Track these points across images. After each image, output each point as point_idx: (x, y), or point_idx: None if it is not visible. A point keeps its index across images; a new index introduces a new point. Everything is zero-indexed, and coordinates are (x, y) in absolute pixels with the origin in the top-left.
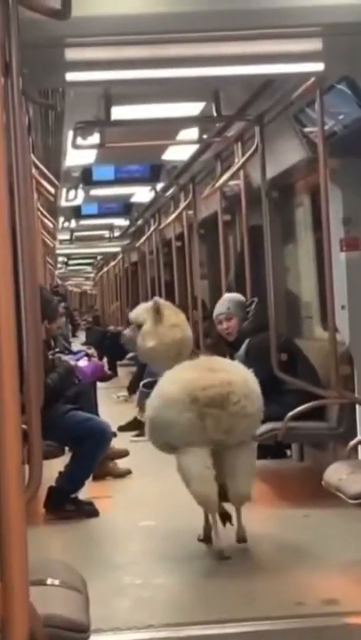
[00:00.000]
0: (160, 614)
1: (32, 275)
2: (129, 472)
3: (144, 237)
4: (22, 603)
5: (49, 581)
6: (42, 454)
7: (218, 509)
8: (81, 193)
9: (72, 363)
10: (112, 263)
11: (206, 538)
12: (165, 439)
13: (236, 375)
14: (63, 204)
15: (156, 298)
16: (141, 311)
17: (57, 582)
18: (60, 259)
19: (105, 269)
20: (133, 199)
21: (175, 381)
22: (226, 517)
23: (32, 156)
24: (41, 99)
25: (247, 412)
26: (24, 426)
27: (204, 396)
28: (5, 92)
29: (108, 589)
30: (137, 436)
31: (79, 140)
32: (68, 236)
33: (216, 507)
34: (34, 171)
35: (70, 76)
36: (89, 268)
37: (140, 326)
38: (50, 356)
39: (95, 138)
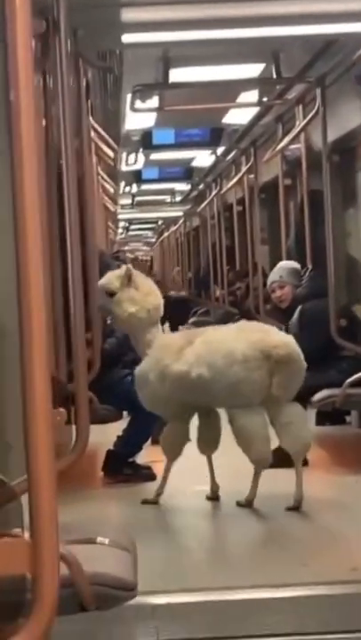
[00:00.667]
0: (214, 577)
1: (91, 239)
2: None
3: (205, 202)
4: (52, 560)
5: (98, 540)
6: (88, 416)
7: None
8: (141, 157)
9: None
10: (173, 228)
11: (214, 496)
12: (231, 400)
13: (285, 336)
14: (124, 168)
15: (129, 265)
16: (113, 278)
17: (106, 542)
18: (122, 224)
19: (166, 234)
20: (194, 163)
21: (241, 340)
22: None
23: (91, 119)
24: (99, 61)
25: (300, 368)
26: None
27: (277, 353)
28: (55, 53)
29: (163, 551)
30: None
31: (138, 104)
32: (129, 201)
33: (268, 463)
34: (93, 134)
35: (127, 38)
36: (150, 233)
37: (111, 294)
38: (108, 322)
39: (154, 101)
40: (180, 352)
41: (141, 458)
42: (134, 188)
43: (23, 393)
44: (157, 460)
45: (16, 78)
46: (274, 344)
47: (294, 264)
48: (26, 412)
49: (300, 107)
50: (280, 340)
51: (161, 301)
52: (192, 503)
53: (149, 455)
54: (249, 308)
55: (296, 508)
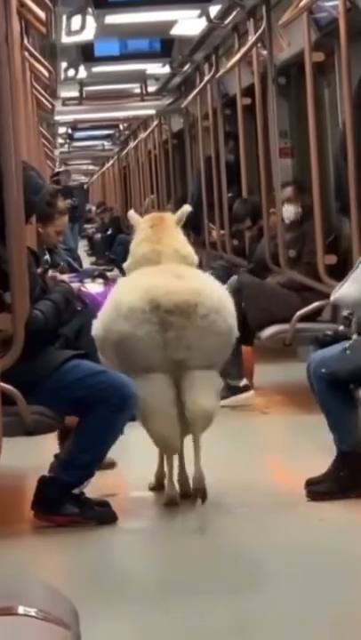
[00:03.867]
0: None
1: (7, 150)
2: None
3: (194, 92)
4: None
5: (21, 610)
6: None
7: (178, 451)
8: (91, 21)
9: (75, 284)
10: (142, 135)
11: (159, 485)
12: (119, 363)
13: (208, 286)
14: (65, 39)
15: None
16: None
17: (33, 612)
18: (63, 130)
19: (131, 145)
20: (175, 31)
21: (133, 288)
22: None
23: None
24: None
25: (217, 328)
26: None
27: (168, 301)
28: None
29: (118, 625)
30: None
31: None
32: (75, 92)
33: (177, 448)
34: None
35: None
36: (106, 144)
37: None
38: (40, 274)
39: None
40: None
41: (95, 488)
42: (82, 72)
43: None
44: (115, 494)
45: None
46: (165, 291)
47: None
48: None
49: None
50: (176, 286)
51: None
52: (175, 559)
53: (108, 483)
54: (262, 258)
55: (197, 494)
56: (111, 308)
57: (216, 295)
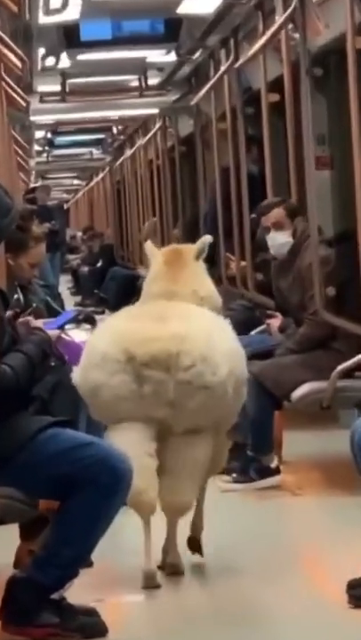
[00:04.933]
0: None
1: None
2: None
3: (207, 86)
4: None
5: None
6: None
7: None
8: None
9: (53, 332)
10: (141, 141)
11: (164, 561)
12: (98, 413)
13: (196, 329)
14: (43, 19)
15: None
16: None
17: None
18: (40, 134)
19: (128, 153)
20: (184, 9)
21: (108, 332)
22: (194, 544)
23: None
24: None
25: (204, 382)
26: None
27: (143, 352)
28: None
29: None
30: None
31: None
32: (55, 86)
33: (153, 510)
34: None
35: None
36: (95, 153)
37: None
38: (9, 318)
39: None
40: None
41: (79, 592)
42: (65, 61)
43: None
44: (103, 599)
45: None
46: (142, 338)
47: None
48: None
49: None
50: (155, 331)
51: None
52: None
53: (95, 584)
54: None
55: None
56: (86, 355)
57: (205, 338)
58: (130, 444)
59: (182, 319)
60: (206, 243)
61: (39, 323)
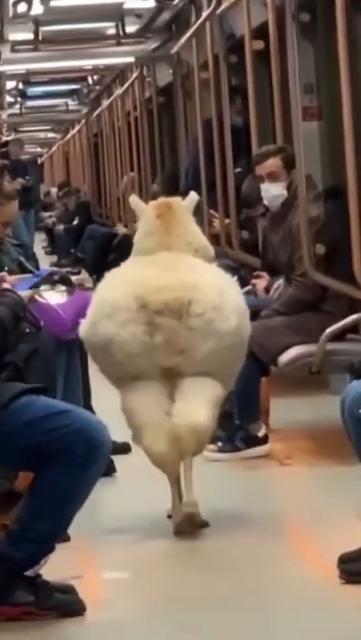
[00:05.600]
0: None
1: None
2: None
3: (188, 33)
4: None
5: None
6: None
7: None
8: None
9: (25, 293)
10: (118, 91)
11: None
12: (104, 369)
13: (206, 278)
14: None
15: None
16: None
17: None
18: (11, 84)
19: (105, 104)
20: None
21: (118, 282)
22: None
23: None
24: None
25: (215, 329)
26: None
27: (156, 300)
28: None
29: None
30: None
31: None
32: (28, 34)
33: (177, 468)
34: None
35: None
36: (71, 103)
37: None
38: None
39: None
40: None
41: (55, 568)
42: (38, 7)
43: None
44: (81, 576)
45: None
46: (154, 286)
47: None
48: None
49: None
50: (168, 280)
51: None
52: None
53: (73, 560)
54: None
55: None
56: (95, 306)
57: (215, 289)
58: (148, 405)
59: (193, 270)
60: (194, 200)
61: (10, 281)
